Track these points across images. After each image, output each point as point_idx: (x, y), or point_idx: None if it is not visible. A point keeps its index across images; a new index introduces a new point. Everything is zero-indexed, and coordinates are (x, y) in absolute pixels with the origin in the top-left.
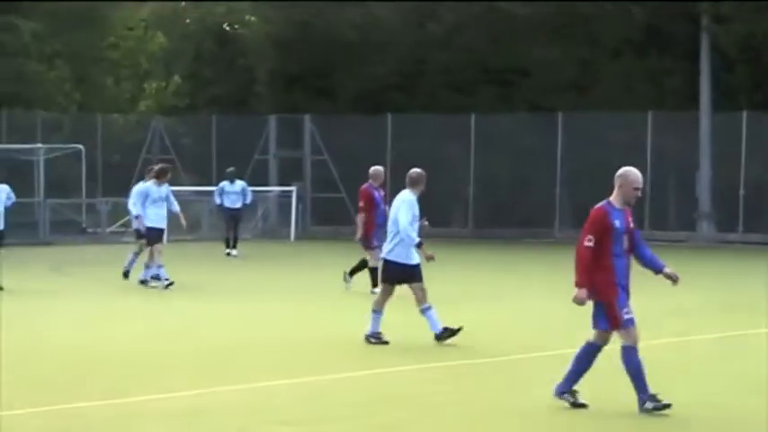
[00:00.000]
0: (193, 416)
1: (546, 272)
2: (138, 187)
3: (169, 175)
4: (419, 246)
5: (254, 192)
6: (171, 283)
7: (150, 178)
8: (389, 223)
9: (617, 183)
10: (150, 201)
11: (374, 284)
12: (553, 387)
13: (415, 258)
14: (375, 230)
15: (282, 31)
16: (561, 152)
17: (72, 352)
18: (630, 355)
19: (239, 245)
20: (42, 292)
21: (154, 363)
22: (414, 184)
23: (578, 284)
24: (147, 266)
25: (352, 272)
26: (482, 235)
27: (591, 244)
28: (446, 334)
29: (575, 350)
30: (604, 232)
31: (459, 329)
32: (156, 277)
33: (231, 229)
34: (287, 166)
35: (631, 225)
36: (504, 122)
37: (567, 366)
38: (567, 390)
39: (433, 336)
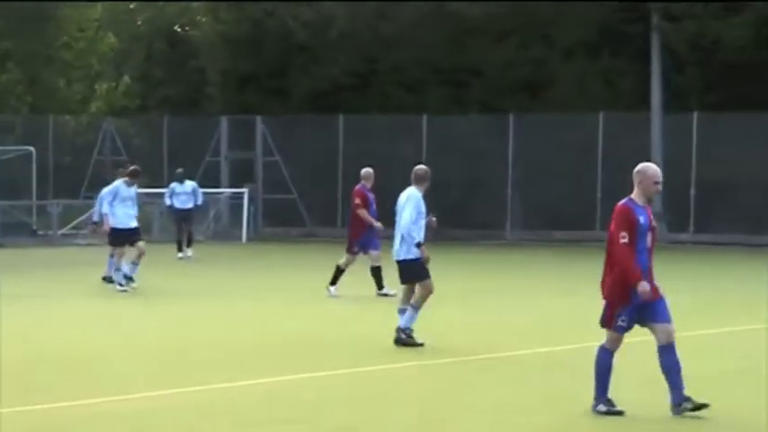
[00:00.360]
0: (149, 417)
1: (500, 273)
2: (108, 188)
3: (139, 178)
4: (418, 245)
5: (205, 193)
6: (124, 290)
7: (121, 177)
8: (396, 222)
9: (636, 180)
10: (119, 199)
11: (333, 282)
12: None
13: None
14: (363, 234)
15: (234, 31)
16: (513, 153)
17: (29, 355)
18: (604, 356)
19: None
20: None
21: (109, 365)
22: (419, 180)
23: (635, 280)
24: (114, 267)
25: (379, 285)
26: (433, 236)
27: (626, 240)
28: (408, 341)
29: (532, 351)
30: (630, 228)
31: (420, 344)
32: (110, 278)
33: (182, 231)
34: (238, 168)
35: (653, 223)
36: (456, 123)
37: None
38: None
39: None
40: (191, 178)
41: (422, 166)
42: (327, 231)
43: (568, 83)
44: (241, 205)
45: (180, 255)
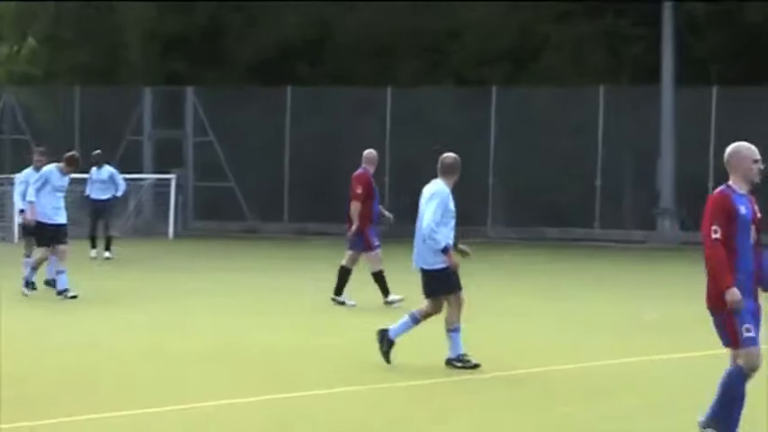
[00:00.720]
0: None
1: (484, 278)
2: (37, 171)
3: (77, 166)
4: (445, 251)
5: (125, 180)
6: (25, 294)
7: (39, 161)
8: (417, 222)
9: (730, 165)
10: (50, 188)
11: (385, 293)
12: None
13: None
14: (370, 227)
15: None
16: (495, 135)
17: None
18: (735, 380)
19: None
20: None
21: (15, 387)
22: (447, 171)
23: (725, 285)
24: (30, 265)
25: (338, 290)
26: (399, 233)
27: (719, 235)
28: (385, 348)
29: (504, 373)
30: (728, 220)
31: (388, 362)
32: (51, 283)
33: (97, 226)
34: (164, 149)
35: (758, 214)
36: (426, 98)
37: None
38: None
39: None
40: (107, 162)
41: (450, 155)
42: (272, 227)
43: (561, 50)
44: (167, 194)
45: (93, 253)
